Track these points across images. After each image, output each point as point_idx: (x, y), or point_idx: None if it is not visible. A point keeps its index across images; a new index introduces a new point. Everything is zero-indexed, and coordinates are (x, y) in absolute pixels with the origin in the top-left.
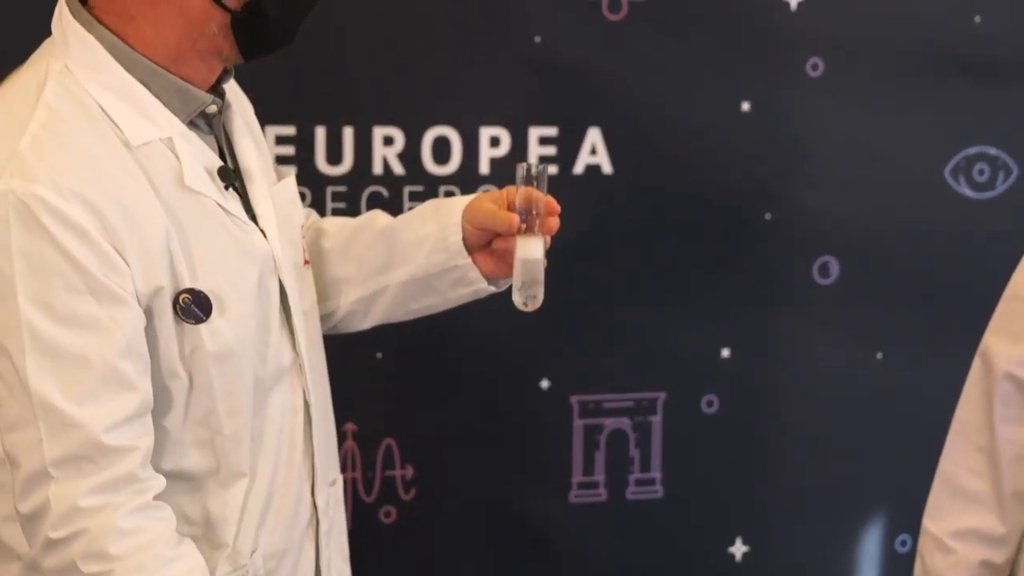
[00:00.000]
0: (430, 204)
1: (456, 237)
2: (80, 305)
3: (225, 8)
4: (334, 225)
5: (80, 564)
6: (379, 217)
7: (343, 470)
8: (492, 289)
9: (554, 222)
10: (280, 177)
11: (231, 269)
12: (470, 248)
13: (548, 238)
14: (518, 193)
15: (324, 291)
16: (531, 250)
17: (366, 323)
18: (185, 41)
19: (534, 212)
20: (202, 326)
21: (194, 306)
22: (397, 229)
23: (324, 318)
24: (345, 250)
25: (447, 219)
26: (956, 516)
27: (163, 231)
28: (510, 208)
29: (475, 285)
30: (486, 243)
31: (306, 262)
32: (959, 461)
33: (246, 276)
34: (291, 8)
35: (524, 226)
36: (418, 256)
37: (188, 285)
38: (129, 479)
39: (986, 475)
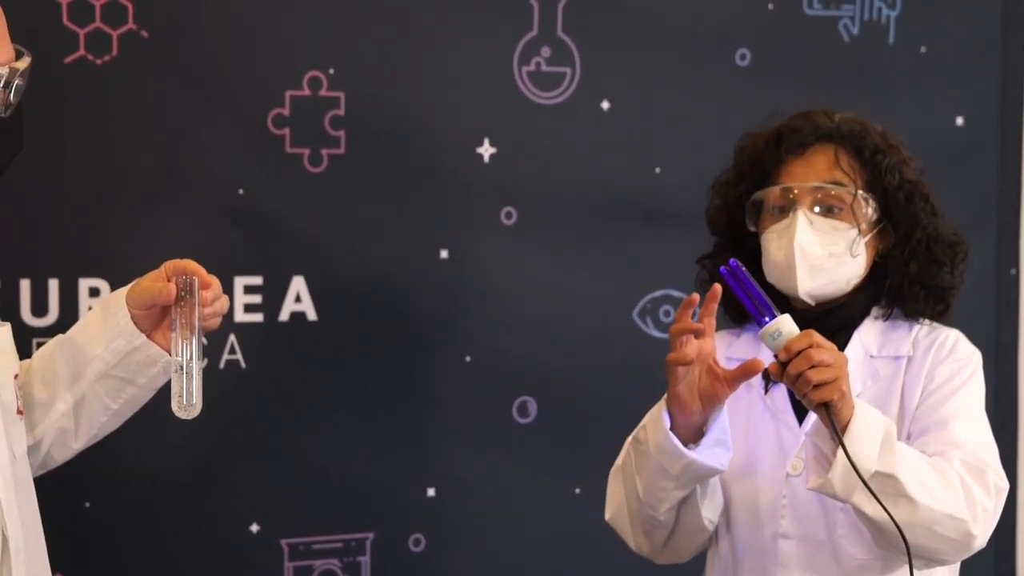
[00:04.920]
0: (97, 303)
1: (126, 320)
2: None
3: None
4: (27, 362)
5: None
6: (60, 336)
7: None
8: (180, 359)
9: (214, 321)
10: None
11: None
12: (146, 331)
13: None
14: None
15: (31, 421)
16: (184, 352)
17: (79, 440)
18: None
19: (180, 315)
20: None
21: None
22: (73, 336)
23: (35, 449)
24: (37, 377)
25: (113, 307)
26: None
27: None
28: (168, 279)
29: (160, 360)
30: (160, 321)
31: (19, 412)
32: None
33: None
34: None
35: (178, 327)
36: (99, 351)
37: None
38: None
39: None
